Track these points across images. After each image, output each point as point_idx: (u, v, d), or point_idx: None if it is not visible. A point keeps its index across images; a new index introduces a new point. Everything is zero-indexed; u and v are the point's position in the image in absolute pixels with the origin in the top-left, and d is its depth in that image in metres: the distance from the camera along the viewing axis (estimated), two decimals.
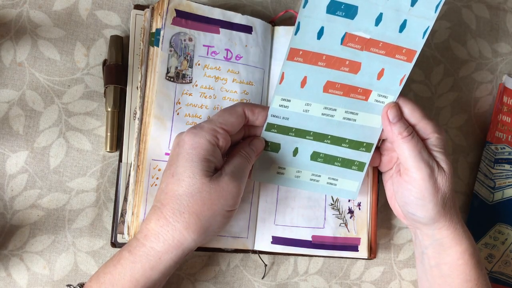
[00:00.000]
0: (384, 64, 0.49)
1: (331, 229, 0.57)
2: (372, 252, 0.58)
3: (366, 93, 0.50)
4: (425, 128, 0.50)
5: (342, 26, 0.46)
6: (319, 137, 0.52)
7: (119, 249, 0.54)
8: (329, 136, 0.52)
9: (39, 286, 0.53)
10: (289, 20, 0.61)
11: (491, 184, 0.65)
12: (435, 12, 0.46)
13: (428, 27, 0.47)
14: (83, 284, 0.48)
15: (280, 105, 0.50)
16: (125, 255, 0.45)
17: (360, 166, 0.54)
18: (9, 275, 0.53)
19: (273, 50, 0.58)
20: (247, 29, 0.56)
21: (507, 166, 0.65)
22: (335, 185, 0.55)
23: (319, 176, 0.55)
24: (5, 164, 0.54)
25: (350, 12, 0.46)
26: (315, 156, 0.53)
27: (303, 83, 0.49)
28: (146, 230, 0.45)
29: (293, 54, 0.47)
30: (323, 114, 0.51)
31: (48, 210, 0.54)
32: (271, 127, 0.51)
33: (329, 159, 0.54)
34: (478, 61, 0.67)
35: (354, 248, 0.58)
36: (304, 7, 0.45)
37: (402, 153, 0.50)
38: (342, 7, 0.45)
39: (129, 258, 0.44)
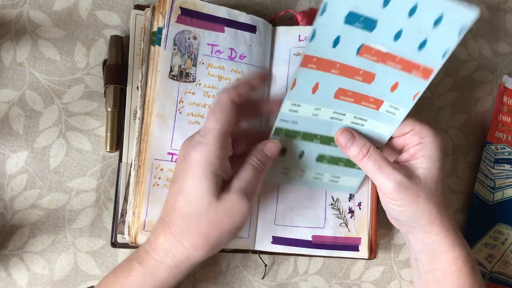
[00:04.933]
0: (399, 78, 0.47)
1: (331, 229, 0.57)
2: (373, 252, 0.58)
3: (377, 103, 0.49)
4: (420, 131, 0.50)
5: (359, 38, 0.45)
6: (326, 140, 0.52)
7: (119, 249, 0.55)
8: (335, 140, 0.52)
9: (39, 286, 0.53)
10: (289, 20, 0.61)
11: (491, 184, 0.65)
12: (458, 36, 0.44)
13: (449, 48, 0.45)
14: None
15: (290, 110, 0.49)
16: (136, 267, 0.45)
17: None
18: (9, 275, 0.53)
19: (274, 50, 0.58)
20: (252, 29, 0.56)
21: (507, 166, 0.65)
22: (337, 182, 0.55)
23: (322, 175, 0.55)
24: (5, 164, 0.54)
25: (369, 24, 0.44)
26: (320, 158, 0.53)
27: (315, 89, 0.48)
28: (155, 244, 0.45)
29: (307, 61, 0.46)
30: (331, 118, 0.50)
31: (48, 210, 0.54)
32: (279, 131, 0.50)
33: (334, 161, 0.53)
34: (478, 61, 0.67)
35: (355, 248, 0.58)
36: (321, 14, 0.43)
37: (366, 171, 0.50)
38: (361, 19, 0.44)
39: (140, 271, 0.45)
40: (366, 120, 0.50)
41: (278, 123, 0.50)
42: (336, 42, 0.45)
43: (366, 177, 0.57)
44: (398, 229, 0.55)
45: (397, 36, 0.45)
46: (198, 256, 0.45)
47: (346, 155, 0.51)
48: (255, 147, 0.49)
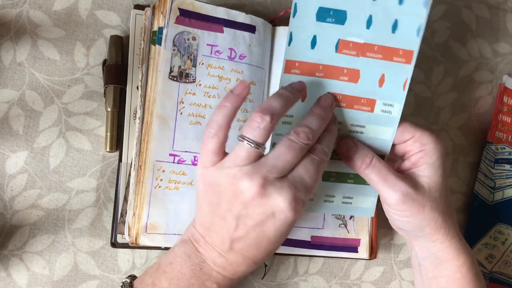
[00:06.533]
0: (383, 68, 0.47)
1: (330, 230, 0.57)
2: (373, 252, 0.58)
3: (370, 103, 0.48)
4: (421, 138, 0.49)
5: (334, 33, 0.45)
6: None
7: (118, 249, 0.55)
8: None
9: (39, 286, 0.53)
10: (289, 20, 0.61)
11: (491, 184, 0.65)
12: (425, 7, 0.45)
13: (421, 24, 0.45)
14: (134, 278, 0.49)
15: (283, 122, 0.48)
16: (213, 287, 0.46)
17: None
18: (9, 275, 0.53)
19: (274, 50, 0.58)
20: (251, 29, 0.56)
21: (507, 166, 0.65)
22: (350, 203, 0.53)
23: (333, 196, 0.52)
24: (5, 164, 0.54)
25: (340, 17, 0.45)
26: (327, 176, 0.51)
27: (304, 96, 0.47)
28: (235, 271, 0.46)
29: (290, 67, 0.46)
30: None
31: (48, 210, 0.54)
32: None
33: (341, 177, 0.51)
34: (478, 61, 0.67)
35: (354, 249, 0.58)
36: (294, 16, 0.44)
37: (370, 182, 0.49)
38: (331, 13, 0.44)
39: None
40: (364, 127, 0.49)
41: (273, 138, 0.48)
42: (313, 42, 0.45)
43: None
44: (402, 236, 0.54)
45: (369, 23, 0.45)
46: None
47: (348, 166, 0.49)
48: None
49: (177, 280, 0.45)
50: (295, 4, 0.44)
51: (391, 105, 0.49)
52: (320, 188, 0.52)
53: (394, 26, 0.46)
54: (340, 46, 0.46)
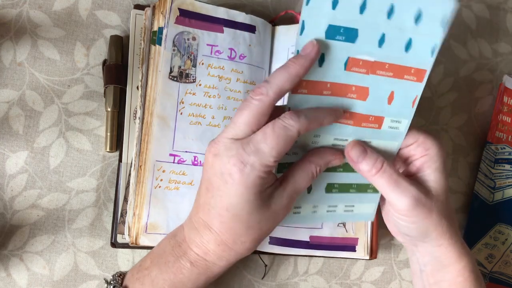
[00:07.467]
0: (393, 86, 0.45)
1: (328, 230, 0.57)
2: (373, 253, 0.58)
3: (378, 121, 0.47)
4: (424, 143, 0.48)
5: (343, 51, 0.43)
6: (332, 167, 0.49)
7: (118, 249, 0.55)
8: (342, 164, 0.49)
9: (39, 286, 0.53)
10: (289, 20, 0.61)
11: (491, 184, 0.65)
12: (442, 29, 0.43)
13: (436, 44, 0.44)
14: (123, 274, 0.49)
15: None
16: (187, 266, 0.46)
17: (375, 188, 0.50)
18: (9, 275, 0.53)
19: (273, 50, 0.58)
20: (251, 29, 0.56)
21: (507, 166, 0.65)
22: (352, 211, 0.52)
23: (336, 206, 0.52)
24: (5, 164, 0.54)
25: (351, 35, 0.42)
26: (330, 188, 0.50)
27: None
28: (206, 249, 0.45)
29: (297, 86, 0.44)
30: (333, 144, 0.48)
31: (48, 210, 0.54)
32: (282, 167, 0.47)
33: (344, 188, 0.51)
34: (478, 61, 0.67)
35: (352, 249, 0.58)
36: (301, 34, 0.42)
37: (379, 188, 0.48)
38: (341, 31, 0.42)
39: (193, 270, 0.46)
40: (370, 142, 0.48)
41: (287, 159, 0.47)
42: (321, 60, 0.43)
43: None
44: (402, 243, 0.54)
45: (381, 41, 0.43)
46: (248, 253, 0.47)
47: (357, 170, 0.48)
48: (319, 155, 0.47)
49: (157, 257, 0.47)
50: (303, 21, 0.41)
51: (398, 121, 0.48)
52: (323, 200, 0.51)
53: (408, 45, 0.44)
54: (350, 64, 0.44)
